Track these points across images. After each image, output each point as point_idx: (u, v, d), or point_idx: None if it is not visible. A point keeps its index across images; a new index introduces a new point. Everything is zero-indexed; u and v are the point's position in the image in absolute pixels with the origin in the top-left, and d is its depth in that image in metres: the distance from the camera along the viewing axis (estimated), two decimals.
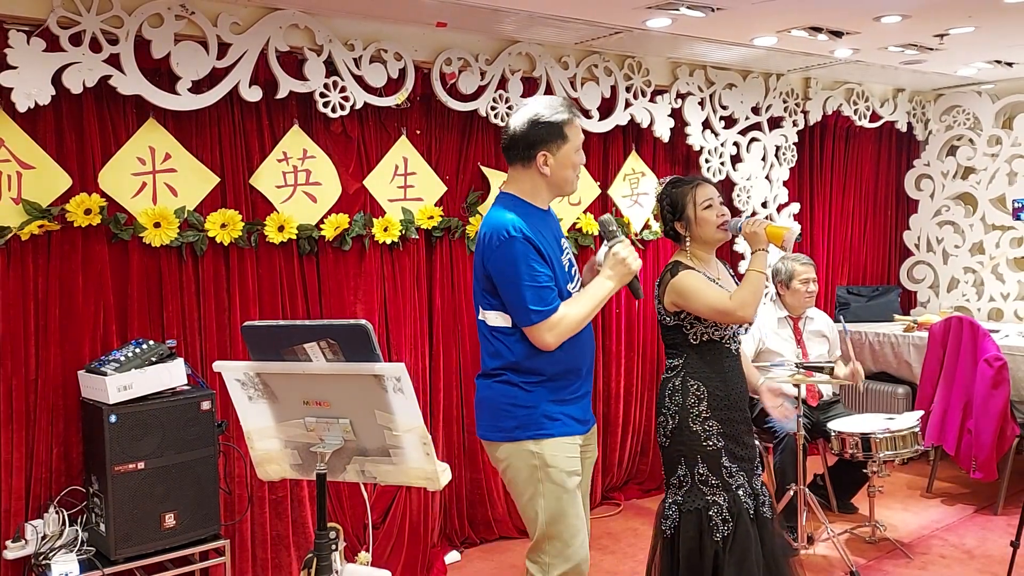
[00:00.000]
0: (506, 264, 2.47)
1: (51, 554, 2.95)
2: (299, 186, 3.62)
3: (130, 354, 3.02)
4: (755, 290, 2.87)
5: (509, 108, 4.07)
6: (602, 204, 4.69)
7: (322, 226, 3.68)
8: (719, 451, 2.94)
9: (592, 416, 2.76)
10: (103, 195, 3.18)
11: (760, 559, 2.93)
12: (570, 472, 2.57)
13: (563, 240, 2.72)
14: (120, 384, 2.94)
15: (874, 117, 5.78)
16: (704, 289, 2.91)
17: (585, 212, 4.57)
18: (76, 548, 3.00)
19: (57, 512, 3.04)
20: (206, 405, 3.12)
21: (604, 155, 4.71)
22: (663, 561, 3.03)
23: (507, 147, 2.60)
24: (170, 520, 3.02)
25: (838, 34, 4.13)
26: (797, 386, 3.85)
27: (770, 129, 5.24)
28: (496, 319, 2.56)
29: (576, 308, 2.53)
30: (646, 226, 4.86)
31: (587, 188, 4.58)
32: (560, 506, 2.55)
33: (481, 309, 2.61)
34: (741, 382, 3.03)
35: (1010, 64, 5.04)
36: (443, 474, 1.90)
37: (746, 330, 3.09)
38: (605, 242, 2.69)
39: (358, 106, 3.66)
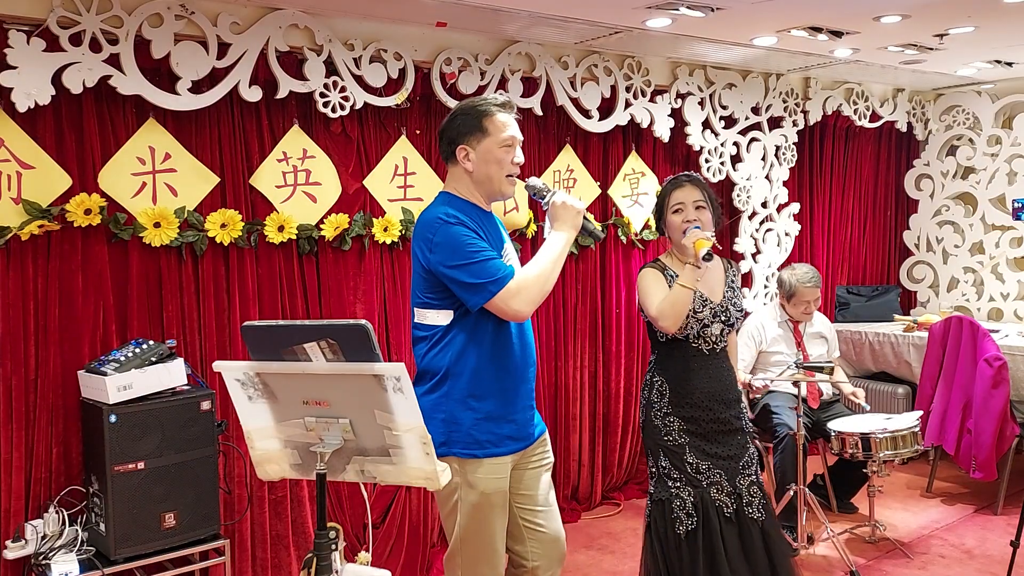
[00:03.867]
0: (449, 249, 2.33)
1: (51, 554, 2.95)
2: (299, 186, 3.62)
3: (130, 354, 3.02)
4: (674, 303, 2.82)
5: None
6: (602, 204, 4.69)
7: (322, 226, 3.68)
8: (682, 447, 2.97)
9: (533, 428, 2.57)
10: (103, 195, 3.17)
11: (742, 559, 2.93)
12: (492, 492, 2.44)
13: (507, 244, 2.57)
14: (120, 384, 2.94)
15: (874, 117, 5.78)
16: (648, 289, 2.93)
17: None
18: (76, 548, 3.00)
19: (57, 512, 3.04)
20: (206, 405, 3.12)
21: (604, 155, 4.71)
22: (645, 548, 3.10)
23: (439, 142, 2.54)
24: (170, 520, 3.02)
25: (838, 34, 4.13)
26: (797, 385, 3.87)
27: (770, 129, 5.24)
28: (436, 317, 2.42)
29: (534, 267, 2.36)
30: (646, 226, 4.85)
31: (587, 188, 4.58)
32: (476, 525, 2.47)
33: (418, 311, 2.47)
34: (713, 382, 3.00)
35: (1010, 64, 5.04)
36: (443, 474, 1.90)
37: (721, 330, 3.04)
38: (543, 206, 2.51)
39: (358, 106, 3.66)
